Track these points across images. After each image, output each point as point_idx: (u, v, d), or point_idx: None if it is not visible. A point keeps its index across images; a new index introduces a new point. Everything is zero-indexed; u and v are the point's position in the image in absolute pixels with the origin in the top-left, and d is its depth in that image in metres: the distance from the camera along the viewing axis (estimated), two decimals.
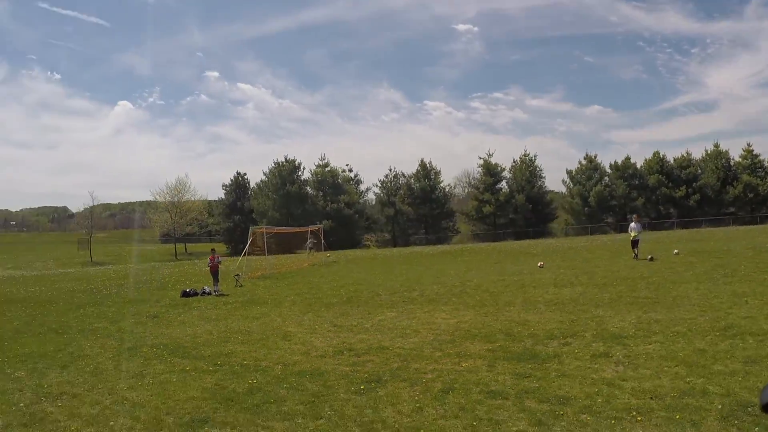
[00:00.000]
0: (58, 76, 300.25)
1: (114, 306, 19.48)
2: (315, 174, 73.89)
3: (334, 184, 72.69)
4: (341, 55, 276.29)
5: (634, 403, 6.83)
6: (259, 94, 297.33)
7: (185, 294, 22.36)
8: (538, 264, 24.76)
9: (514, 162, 74.41)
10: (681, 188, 65.95)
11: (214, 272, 22.78)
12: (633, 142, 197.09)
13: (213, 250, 25.55)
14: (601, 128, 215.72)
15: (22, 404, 8.17)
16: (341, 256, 45.72)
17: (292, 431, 6.61)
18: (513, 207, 70.37)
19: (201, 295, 22.35)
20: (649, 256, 24.21)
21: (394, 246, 73.57)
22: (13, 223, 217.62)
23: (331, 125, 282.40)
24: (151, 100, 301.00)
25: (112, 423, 7.25)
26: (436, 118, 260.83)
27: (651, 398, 7.02)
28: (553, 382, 7.83)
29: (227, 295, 21.18)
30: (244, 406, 7.61)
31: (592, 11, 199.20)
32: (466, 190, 78.73)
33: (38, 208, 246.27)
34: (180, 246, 75.97)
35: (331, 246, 68.97)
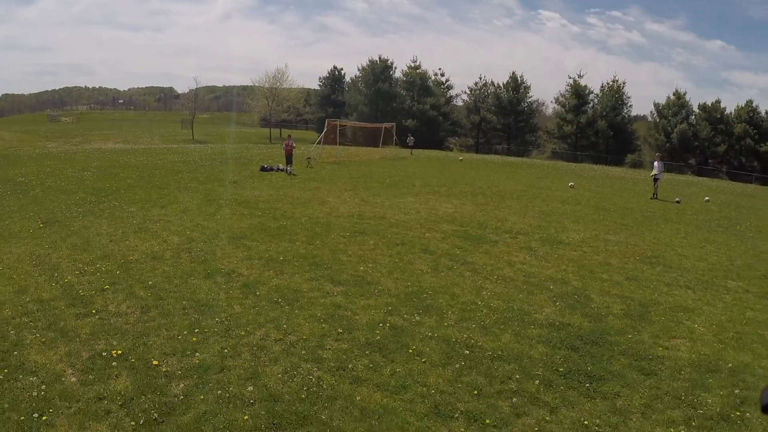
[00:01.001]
0: None
1: (205, 173, 24.12)
2: (406, 75, 76.58)
3: (423, 86, 75.20)
4: None
5: (507, 274, 10.09)
6: None
7: (263, 169, 26.95)
8: (569, 184, 27.58)
9: (602, 87, 73.51)
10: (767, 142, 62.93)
11: (288, 155, 26.80)
12: (753, 86, 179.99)
13: (289, 136, 29.46)
14: (721, 66, 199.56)
15: (134, 222, 12.89)
16: (416, 153, 49.36)
17: (290, 247, 10.91)
18: (594, 131, 70.55)
19: (276, 170, 26.95)
20: (677, 199, 25.25)
21: (477, 152, 76.25)
22: (121, 101, 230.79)
23: (441, 24, 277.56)
24: None
25: (188, 233, 11.79)
26: (550, 29, 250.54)
27: (524, 276, 10.05)
28: (473, 254, 11.44)
29: (297, 176, 25.52)
30: (269, 233, 12.00)
31: None
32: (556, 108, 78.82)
33: (145, 87, 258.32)
34: (276, 131, 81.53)
35: (415, 146, 73.13)
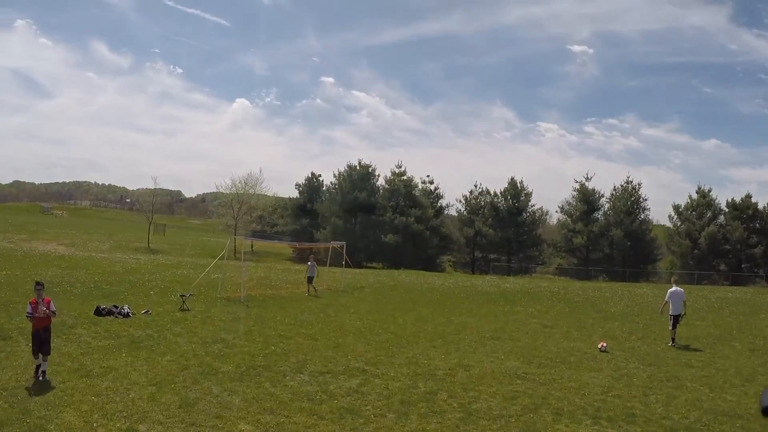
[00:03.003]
0: (180, 70, 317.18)
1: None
2: (389, 182, 66.54)
3: (407, 195, 64.78)
4: (455, 69, 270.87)
5: None
6: (373, 103, 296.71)
7: (99, 311, 16.57)
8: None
9: (614, 189, 63.49)
10: None
11: (39, 334, 10.30)
12: (752, 181, 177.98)
13: (38, 283, 10.84)
14: (718, 164, 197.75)
15: None
16: (389, 277, 38.35)
17: None
18: (608, 241, 59.83)
19: (117, 315, 16.40)
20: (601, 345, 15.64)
21: (473, 272, 65.25)
22: (129, 200, 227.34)
23: (443, 138, 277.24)
24: (267, 99, 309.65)
25: None
26: (549, 140, 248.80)
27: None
28: None
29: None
30: None
31: (711, 38, 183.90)
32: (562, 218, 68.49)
33: (154, 189, 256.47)
34: (245, 242, 71.20)
35: (397, 265, 61.42)
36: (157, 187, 71.14)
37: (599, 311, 24.04)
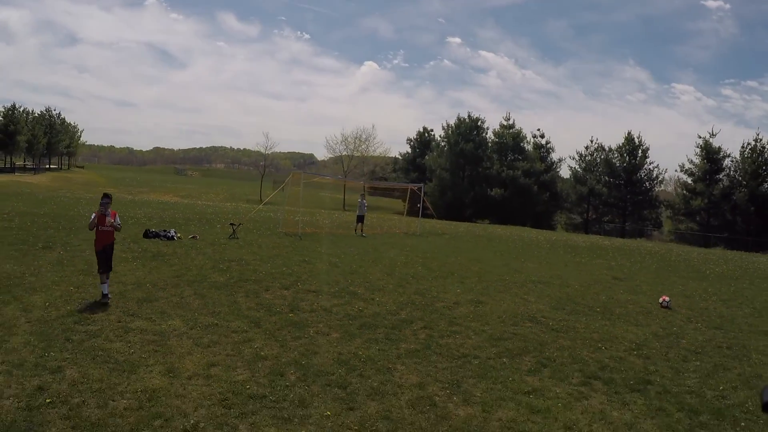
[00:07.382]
0: (307, 36, 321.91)
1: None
2: (496, 134, 62.77)
3: (515, 147, 60.83)
4: (584, 27, 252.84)
5: None
6: (501, 63, 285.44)
7: (147, 234, 16.42)
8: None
9: (743, 147, 54.14)
10: None
11: (104, 250, 8.93)
12: None
13: (106, 195, 9.28)
14: None
15: None
16: (484, 230, 36.09)
17: None
18: (730, 206, 52.65)
19: (162, 237, 16.20)
20: None
21: (586, 231, 60.46)
22: (262, 163, 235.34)
23: (573, 100, 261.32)
24: (395, 62, 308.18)
25: None
26: (684, 103, 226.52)
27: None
28: None
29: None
30: None
31: None
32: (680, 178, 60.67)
33: (287, 153, 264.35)
34: (352, 196, 70.90)
35: (505, 221, 58.14)
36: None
37: (693, 271, 20.37)
